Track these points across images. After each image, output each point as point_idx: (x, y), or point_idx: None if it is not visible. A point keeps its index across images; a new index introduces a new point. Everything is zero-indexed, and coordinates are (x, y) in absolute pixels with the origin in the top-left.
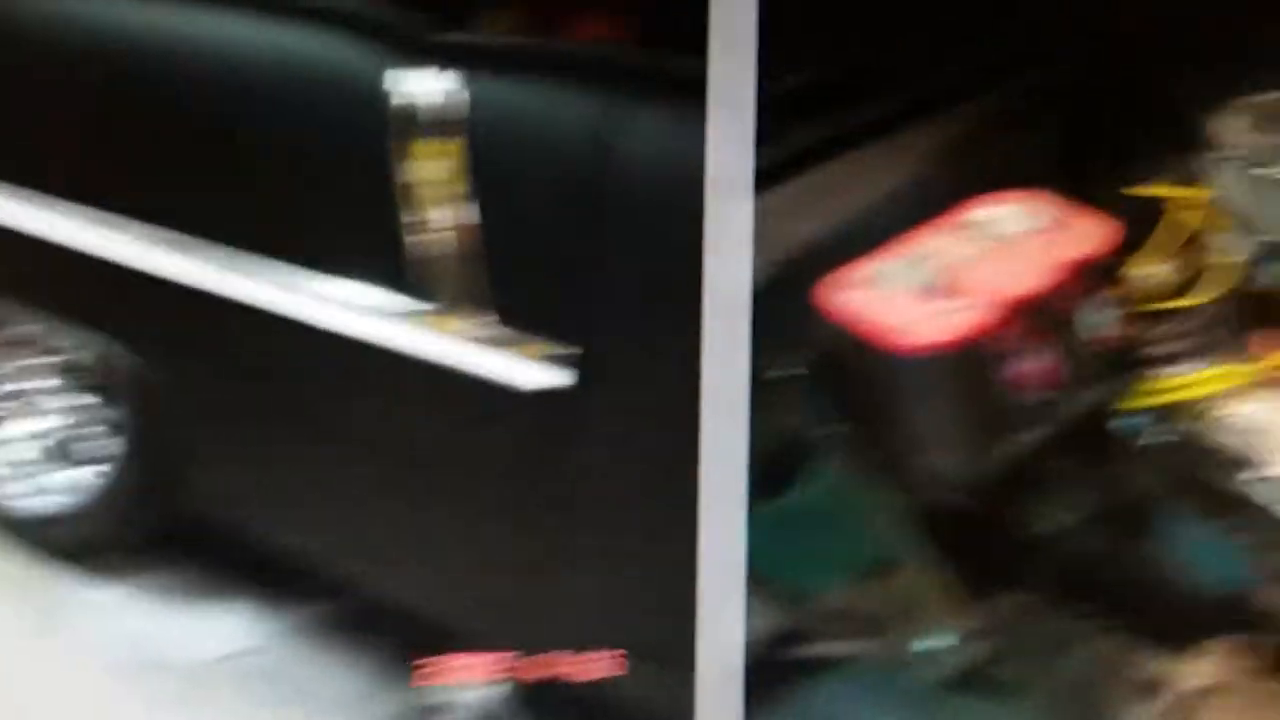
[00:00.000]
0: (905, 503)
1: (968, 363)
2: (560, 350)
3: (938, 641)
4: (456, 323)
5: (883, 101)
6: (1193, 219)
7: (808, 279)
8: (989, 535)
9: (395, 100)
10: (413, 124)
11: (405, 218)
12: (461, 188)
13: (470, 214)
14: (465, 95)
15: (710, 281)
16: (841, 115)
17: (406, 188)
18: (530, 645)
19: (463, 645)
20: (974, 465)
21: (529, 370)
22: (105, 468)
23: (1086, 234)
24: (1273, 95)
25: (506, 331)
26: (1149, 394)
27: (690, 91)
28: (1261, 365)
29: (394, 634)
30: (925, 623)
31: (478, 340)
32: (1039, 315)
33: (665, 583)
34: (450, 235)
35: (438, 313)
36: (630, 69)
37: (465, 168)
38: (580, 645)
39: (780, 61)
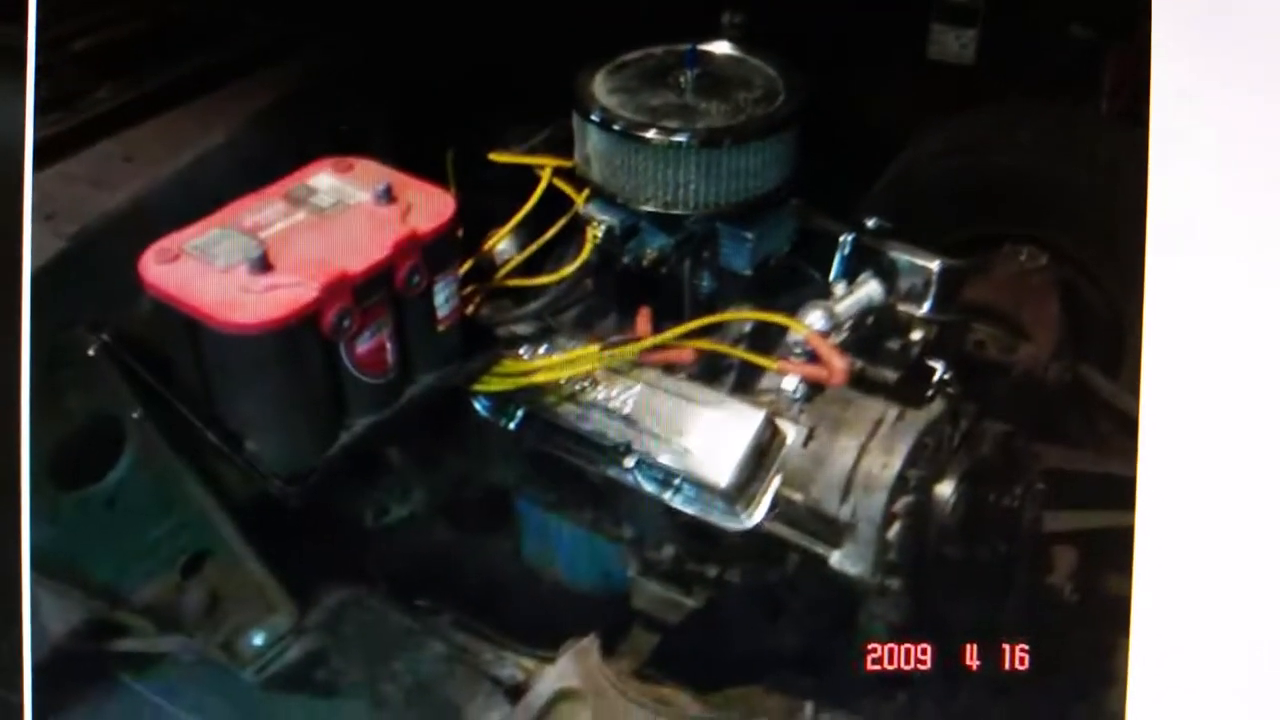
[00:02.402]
0: (219, 491)
1: (294, 343)
2: None
3: (259, 639)
4: None
5: (190, 61)
6: (560, 188)
7: (119, 249)
8: (314, 526)
9: None
10: None
11: None
12: None
13: None
14: None
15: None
16: (144, 76)
17: None
18: None
19: None
20: (300, 452)
21: None
22: None
23: (427, 206)
24: (634, 54)
25: None
26: (506, 376)
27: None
28: (640, 345)
29: None
30: (244, 619)
31: None
32: (373, 292)
33: None
34: None
35: None
36: None
37: None
38: None
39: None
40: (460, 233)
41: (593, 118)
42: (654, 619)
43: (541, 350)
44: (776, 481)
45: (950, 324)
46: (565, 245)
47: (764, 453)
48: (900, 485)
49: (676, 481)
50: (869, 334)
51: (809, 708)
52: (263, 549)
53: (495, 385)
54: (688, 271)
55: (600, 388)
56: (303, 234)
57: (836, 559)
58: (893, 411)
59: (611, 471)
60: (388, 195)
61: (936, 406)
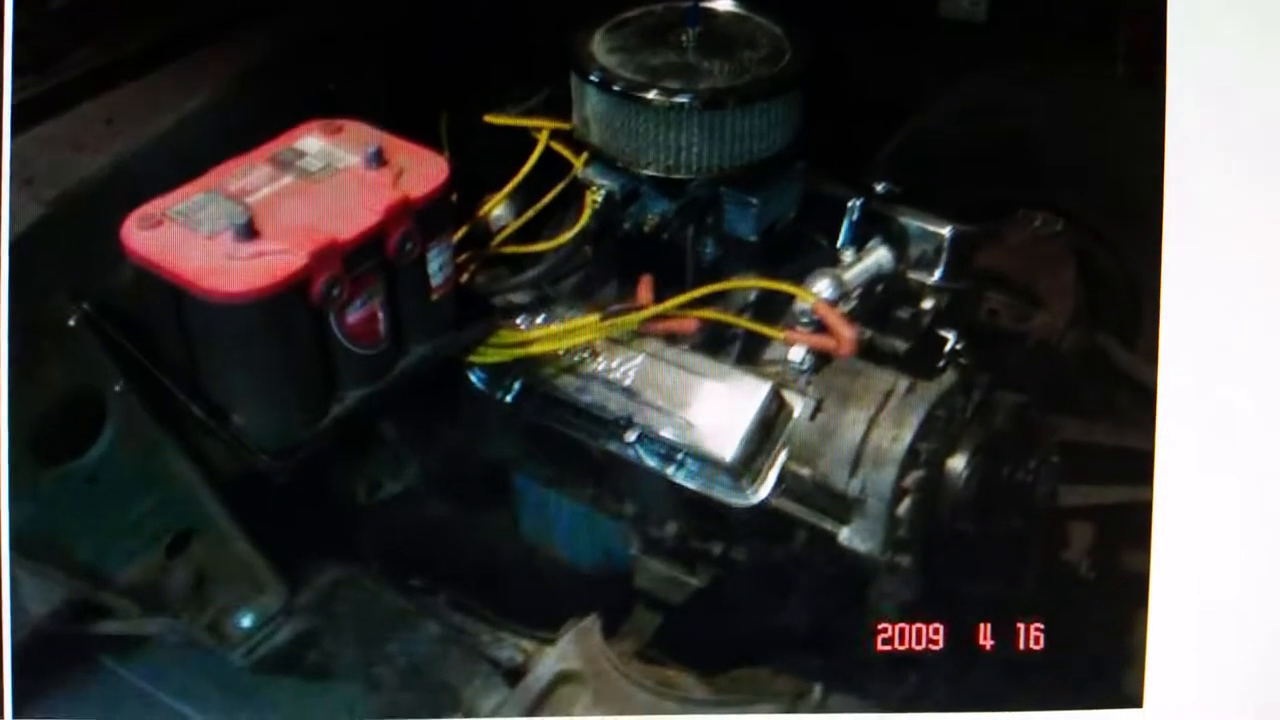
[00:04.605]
0: (205, 466)
1: (282, 313)
2: None
3: (247, 620)
4: None
5: (173, 20)
6: (557, 152)
7: (101, 215)
8: (304, 503)
9: None
10: None
11: None
12: None
13: None
14: None
15: None
16: (125, 36)
17: None
18: None
19: None
20: (288, 426)
21: None
22: None
23: (419, 170)
24: (634, 12)
25: None
26: (503, 347)
27: None
28: (641, 314)
29: None
30: (231, 599)
31: None
32: (364, 260)
33: None
34: None
35: None
36: None
37: None
38: None
39: None
40: (454, 198)
41: (591, 78)
42: (657, 598)
43: (539, 320)
44: (783, 456)
45: (962, 292)
46: (563, 211)
47: (770, 426)
48: (911, 459)
49: (680, 456)
50: (878, 303)
51: (818, 689)
52: (251, 527)
53: (491, 356)
54: (690, 238)
55: (600, 359)
56: (290, 199)
57: (845, 535)
58: (903, 383)
59: (612, 446)
60: (378, 159)
61: (948, 377)
